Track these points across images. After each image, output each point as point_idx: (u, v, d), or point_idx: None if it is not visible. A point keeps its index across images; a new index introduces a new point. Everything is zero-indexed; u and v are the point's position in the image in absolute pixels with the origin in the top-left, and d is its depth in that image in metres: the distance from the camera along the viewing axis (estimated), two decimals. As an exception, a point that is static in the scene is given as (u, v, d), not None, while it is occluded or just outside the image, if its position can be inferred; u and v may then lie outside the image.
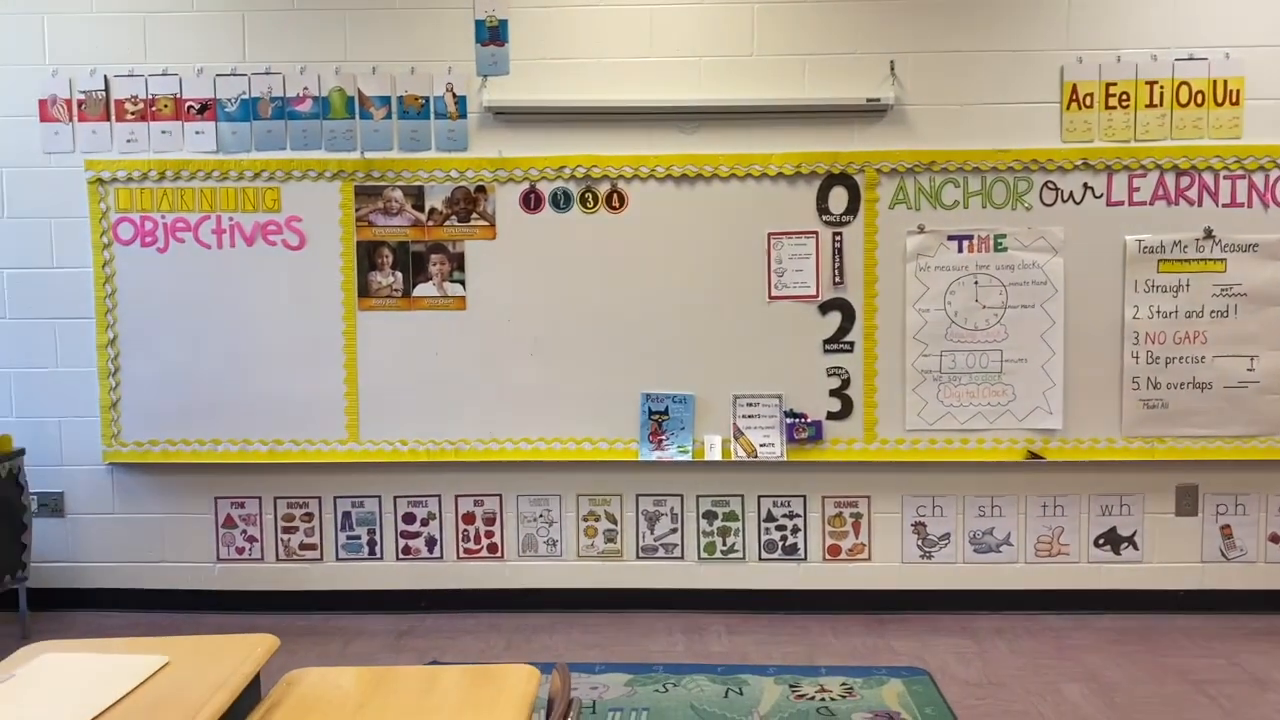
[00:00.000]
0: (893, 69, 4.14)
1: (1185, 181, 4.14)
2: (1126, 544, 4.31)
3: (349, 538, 4.41)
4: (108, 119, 4.25)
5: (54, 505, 4.39)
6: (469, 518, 4.40)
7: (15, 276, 4.31)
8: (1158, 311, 4.17)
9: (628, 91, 4.16)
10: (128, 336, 4.30)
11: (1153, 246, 4.15)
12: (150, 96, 4.24)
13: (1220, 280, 4.15)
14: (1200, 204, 4.14)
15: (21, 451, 4.16)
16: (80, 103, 4.25)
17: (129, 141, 4.25)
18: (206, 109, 4.24)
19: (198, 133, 4.25)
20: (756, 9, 4.15)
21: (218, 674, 1.97)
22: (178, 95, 4.24)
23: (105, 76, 4.23)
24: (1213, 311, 4.16)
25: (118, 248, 4.27)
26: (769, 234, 4.20)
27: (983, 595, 4.33)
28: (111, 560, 4.42)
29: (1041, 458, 4.22)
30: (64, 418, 4.36)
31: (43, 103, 4.25)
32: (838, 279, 4.21)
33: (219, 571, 4.43)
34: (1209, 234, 4.14)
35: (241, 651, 2.10)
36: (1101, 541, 4.31)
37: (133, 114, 4.25)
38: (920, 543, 4.34)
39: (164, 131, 4.25)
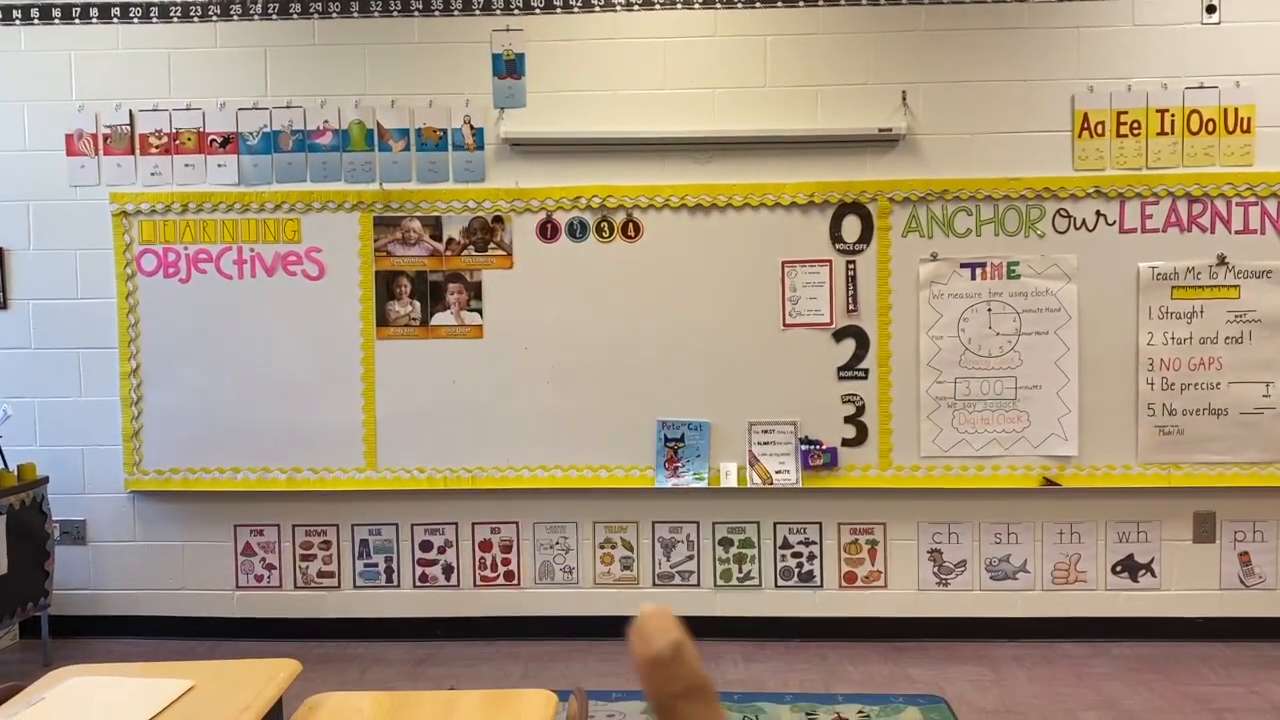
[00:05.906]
0: (904, 99, 4.19)
1: (1198, 208, 4.16)
2: (1144, 571, 4.29)
3: (366, 565, 4.44)
4: (132, 153, 4.33)
5: (76, 533, 4.44)
6: (485, 545, 4.42)
7: (40, 307, 4.38)
8: (1172, 338, 4.18)
9: (642, 123, 4.22)
10: (150, 366, 4.36)
11: (1166, 273, 4.17)
12: (174, 130, 4.32)
13: (1234, 306, 4.16)
14: (1213, 231, 4.16)
15: (45, 480, 4.20)
16: (106, 137, 4.33)
17: (153, 174, 4.33)
18: (229, 142, 4.32)
19: (220, 165, 4.32)
20: (769, 40, 4.21)
21: (242, 697, 2.00)
22: (200, 129, 4.32)
23: (130, 111, 4.32)
24: (1227, 338, 4.17)
25: (141, 279, 4.33)
26: (783, 262, 4.24)
27: (999, 623, 4.31)
28: (132, 588, 4.45)
29: (1057, 484, 4.22)
30: (86, 446, 4.41)
31: (69, 137, 4.33)
32: (851, 306, 4.24)
33: (238, 599, 4.46)
34: (1222, 260, 4.15)
35: (265, 675, 2.13)
36: (1119, 569, 4.30)
37: (156, 148, 4.33)
38: (936, 570, 4.33)
39: (187, 165, 4.33)
